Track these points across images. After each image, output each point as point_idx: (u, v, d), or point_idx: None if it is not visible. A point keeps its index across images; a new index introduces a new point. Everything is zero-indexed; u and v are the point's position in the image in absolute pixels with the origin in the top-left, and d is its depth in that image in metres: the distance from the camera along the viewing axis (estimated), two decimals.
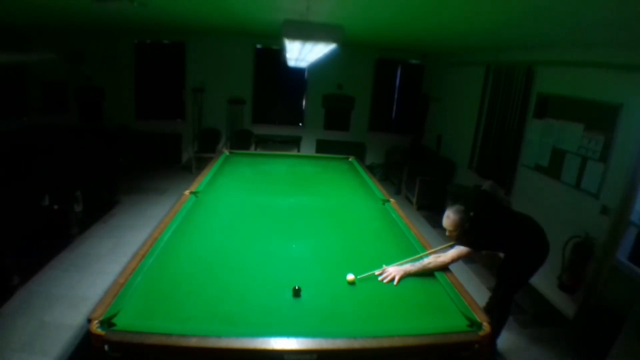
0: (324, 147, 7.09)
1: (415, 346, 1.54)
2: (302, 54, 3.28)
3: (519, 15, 2.56)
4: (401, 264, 2.12)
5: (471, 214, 2.31)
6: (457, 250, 2.24)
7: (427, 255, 2.24)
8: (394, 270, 2.05)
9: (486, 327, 1.64)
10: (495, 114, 4.68)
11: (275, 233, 2.54)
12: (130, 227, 4.41)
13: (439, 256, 2.19)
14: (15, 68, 6.25)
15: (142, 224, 4.49)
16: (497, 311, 2.69)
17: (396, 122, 7.50)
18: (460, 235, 2.31)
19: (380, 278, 2.03)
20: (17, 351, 2.47)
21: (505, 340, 2.96)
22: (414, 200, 5.75)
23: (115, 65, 6.67)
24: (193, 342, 1.44)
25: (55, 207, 3.92)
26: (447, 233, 2.36)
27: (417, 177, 5.66)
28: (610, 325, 2.61)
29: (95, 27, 5.84)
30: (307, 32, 2.46)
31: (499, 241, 2.50)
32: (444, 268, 2.16)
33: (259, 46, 6.81)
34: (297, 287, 1.81)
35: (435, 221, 5.36)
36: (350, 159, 4.75)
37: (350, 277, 1.97)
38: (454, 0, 2.37)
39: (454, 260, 2.21)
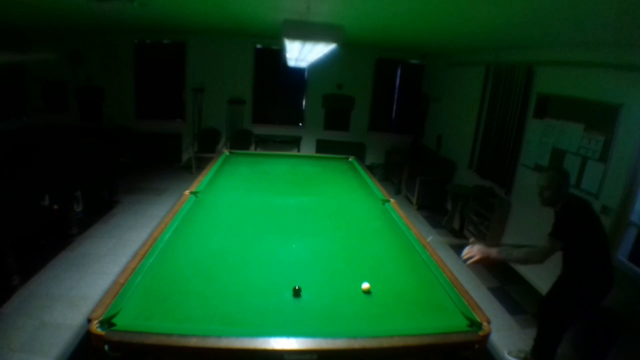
0: (324, 147, 7.09)
1: (415, 346, 1.54)
2: (302, 54, 3.28)
3: (519, 16, 2.56)
4: (488, 246, 2.12)
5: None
6: (546, 243, 2.12)
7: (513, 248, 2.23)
8: (477, 252, 2.06)
9: (486, 327, 1.64)
10: (495, 114, 4.68)
11: (275, 233, 2.54)
12: (130, 227, 4.41)
13: (528, 250, 2.11)
14: (15, 68, 6.25)
15: (142, 224, 4.49)
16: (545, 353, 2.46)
17: (396, 122, 7.50)
18: (552, 196, 2.19)
19: (464, 255, 2.11)
20: (17, 351, 2.47)
21: (505, 340, 2.96)
22: (414, 200, 5.75)
23: (115, 65, 6.68)
24: (193, 342, 1.44)
25: (55, 207, 3.92)
26: (538, 192, 2.23)
27: (417, 177, 5.66)
28: (610, 325, 2.61)
29: (95, 27, 5.84)
30: (307, 32, 2.46)
31: (585, 232, 2.16)
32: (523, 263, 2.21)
33: (259, 46, 6.81)
34: (297, 287, 1.81)
35: (435, 221, 5.37)
36: (350, 159, 4.75)
37: (365, 285, 1.88)
38: (455, 1, 2.38)
39: (542, 255, 2.09)
